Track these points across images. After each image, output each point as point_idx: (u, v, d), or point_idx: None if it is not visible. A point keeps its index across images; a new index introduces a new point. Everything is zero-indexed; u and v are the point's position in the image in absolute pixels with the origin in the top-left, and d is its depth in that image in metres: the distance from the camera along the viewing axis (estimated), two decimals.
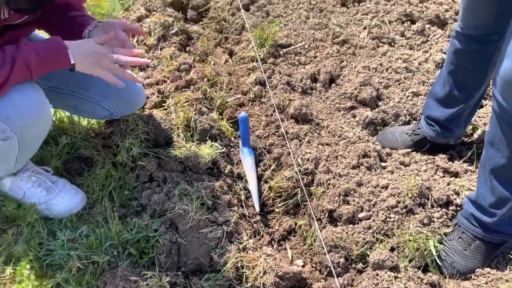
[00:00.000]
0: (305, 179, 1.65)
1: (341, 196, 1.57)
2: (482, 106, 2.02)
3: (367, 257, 1.45)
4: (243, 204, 1.68)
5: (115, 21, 1.42)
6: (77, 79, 1.45)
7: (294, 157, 1.68)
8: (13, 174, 1.49)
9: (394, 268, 1.40)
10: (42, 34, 1.62)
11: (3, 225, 1.51)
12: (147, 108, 1.87)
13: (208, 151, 1.69)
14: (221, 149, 1.74)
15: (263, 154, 1.81)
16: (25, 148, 1.29)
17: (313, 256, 1.52)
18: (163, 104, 1.90)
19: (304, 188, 1.59)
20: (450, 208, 1.55)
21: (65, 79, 1.45)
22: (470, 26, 1.48)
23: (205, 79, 2.05)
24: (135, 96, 1.62)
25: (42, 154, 1.67)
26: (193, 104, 1.85)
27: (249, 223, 1.63)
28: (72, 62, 1.20)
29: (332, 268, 1.40)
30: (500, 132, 1.27)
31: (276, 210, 1.69)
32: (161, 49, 2.21)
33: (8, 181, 1.52)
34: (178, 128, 1.78)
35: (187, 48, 2.30)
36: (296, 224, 1.63)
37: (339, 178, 1.64)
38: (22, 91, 1.17)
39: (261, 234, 1.62)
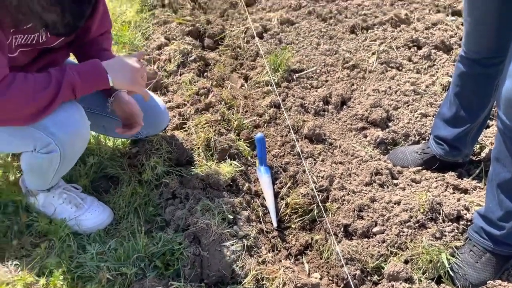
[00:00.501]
0: (320, 195, 1.73)
1: (355, 212, 1.65)
2: (488, 127, 2.10)
3: (382, 269, 1.51)
4: (261, 220, 1.75)
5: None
6: (108, 101, 1.56)
7: (310, 175, 1.77)
8: (46, 190, 1.59)
9: (409, 280, 1.46)
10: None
11: (35, 239, 1.60)
12: (169, 130, 1.98)
13: (227, 169, 1.79)
14: (239, 167, 1.83)
15: (279, 173, 1.90)
16: (65, 161, 1.40)
17: (330, 269, 1.58)
18: (183, 126, 2.01)
19: (320, 204, 1.67)
20: (461, 222, 1.62)
21: (97, 100, 1.57)
22: (472, 50, 1.59)
23: (223, 102, 2.16)
24: (160, 117, 1.73)
25: (71, 173, 1.78)
26: (212, 126, 1.96)
27: (267, 238, 1.70)
28: (111, 84, 1.32)
29: (349, 280, 1.46)
30: (505, 149, 1.35)
31: (293, 226, 1.76)
32: (180, 75, 2.34)
33: (42, 197, 1.62)
34: (198, 147, 1.88)
35: (205, 74, 2.43)
36: (312, 239, 1.70)
37: (353, 195, 1.72)
38: (65, 109, 1.28)
39: (278, 249, 1.69)
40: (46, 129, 1.29)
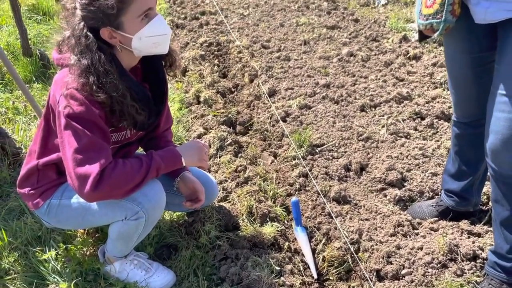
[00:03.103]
0: (352, 247, 2.00)
1: (384, 258, 1.90)
2: None
3: None
4: (302, 273, 2.01)
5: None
6: (173, 181, 1.94)
7: (341, 230, 2.06)
8: (124, 257, 1.90)
9: None
10: None
11: None
12: (216, 202, 2.33)
13: (269, 230, 2.09)
14: (279, 227, 2.14)
15: (313, 232, 2.19)
16: (148, 226, 1.73)
17: None
18: (227, 198, 2.36)
19: (354, 253, 1.94)
20: (478, 261, 1.85)
21: (164, 180, 1.94)
22: (461, 116, 1.96)
23: (258, 176, 2.53)
24: (212, 190, 2.08)
25: (138, 244, 2.10)
26: (252, 195, 2.30)
27: None
28: (184, 165, 1.71)
29: None
30: (499, 191, 1.64)
31: (331, 278, 2.01)
32: (219, 157, 2.75)
33: (118, 264, 1.93)
34: (242, 214, 2.21)
35: (239, 155, 2.83)
36: (349, 287, 1.93)
37: (381, 244, 1.98)
38: (148, 184, 1.64)
39: None
40: (135, 200, 1.64)
